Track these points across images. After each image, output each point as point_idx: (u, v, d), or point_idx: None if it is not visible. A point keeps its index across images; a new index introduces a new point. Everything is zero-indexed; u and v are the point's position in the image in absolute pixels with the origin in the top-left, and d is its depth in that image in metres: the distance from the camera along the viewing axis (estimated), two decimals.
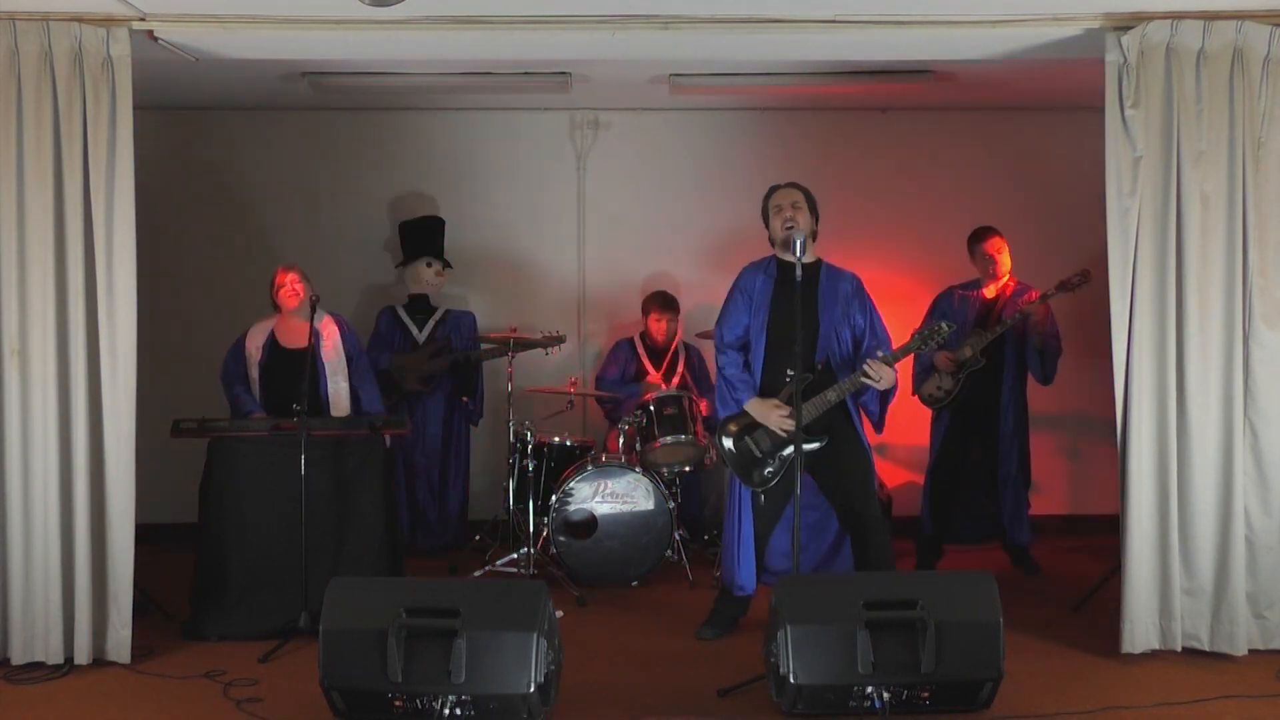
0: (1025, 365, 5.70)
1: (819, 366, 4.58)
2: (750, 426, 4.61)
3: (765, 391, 4.61)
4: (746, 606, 4.82)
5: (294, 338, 5.32)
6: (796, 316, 4.25)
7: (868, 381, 4.42)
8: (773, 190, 4.75)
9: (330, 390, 5.30)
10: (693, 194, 6.78)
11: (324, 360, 5.31)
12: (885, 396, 4.60)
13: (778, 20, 4.54)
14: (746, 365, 4.65)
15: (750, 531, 4.65)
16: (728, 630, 4.79)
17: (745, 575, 4.67)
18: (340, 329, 5.41)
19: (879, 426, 4.71)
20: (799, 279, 4.23)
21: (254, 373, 5.36)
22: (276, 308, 5.39)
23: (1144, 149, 4.39)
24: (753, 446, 4.59)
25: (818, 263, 4.74)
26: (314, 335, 5.19)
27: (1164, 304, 4.39)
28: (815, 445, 4.54)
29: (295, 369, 5.13)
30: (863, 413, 4.72)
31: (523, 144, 6.79)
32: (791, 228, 4.55)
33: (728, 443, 4.62)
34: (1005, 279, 5.72)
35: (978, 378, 5.60)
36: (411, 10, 4.39)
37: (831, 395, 4.47)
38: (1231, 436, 4.39)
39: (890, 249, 6.70)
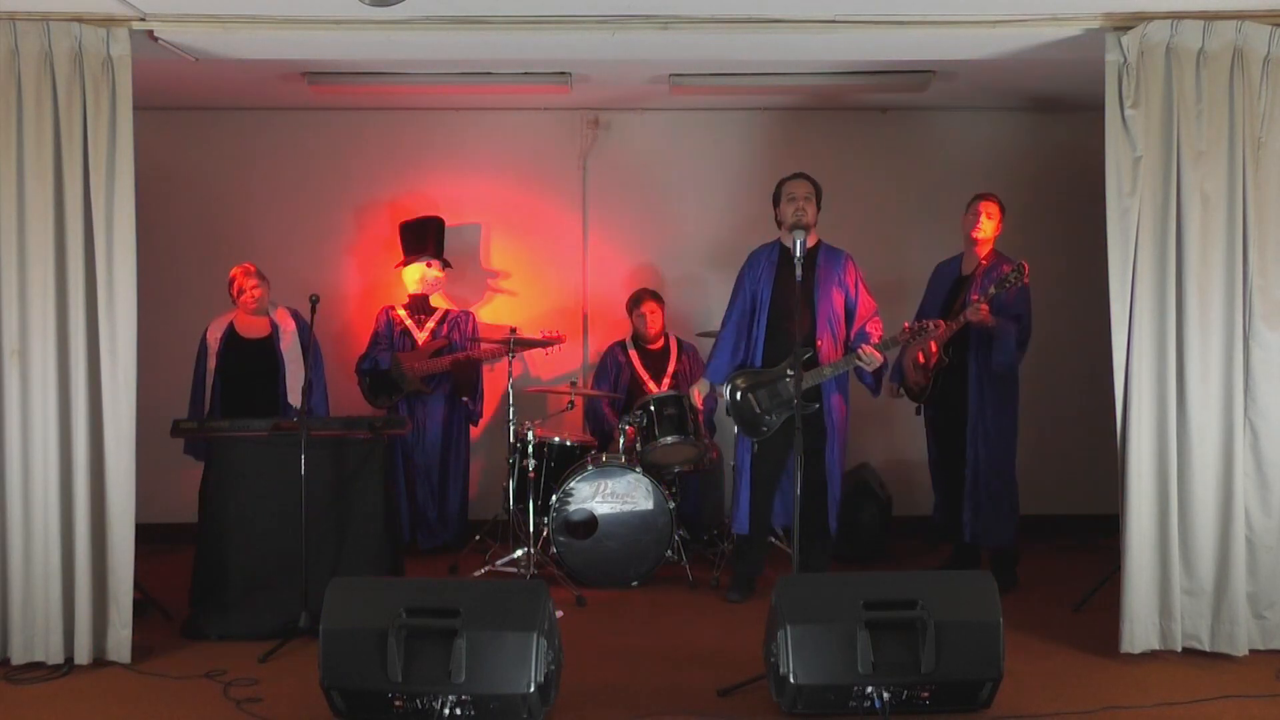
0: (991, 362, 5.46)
1: (819, 344, 5.23)
2: (754, 385, 5.24)
3: (766, 363, 5.30)
4: (760, 565, 5.42)
5: (252, 329, 5.60)
6: (796, 310, 4.49)
7: (860, 365, 5.12)
8: (786, 179, 5.36)
9: (288, 381, 5.48)
10: (693, 194, 6.78)
11: (282, 352, 5.51)
12: (878, 371, 5.25)
13: (778, 20, 4.55)
14: (746, 349, 5.34)
15: (749, 479, 5.32)
16: (749, 592, 5.33)
17: (741, 517, 5.34)
18: (296, 323, 5.59)
19: (876, 392, 5.43)
20: (799, 273, 4.49)
21: (211, 363, 5.54)
22: (235, 303, 5.63)
23: (1144, 149, 4.39)
24: (754, 403, 5.23)
25: (817, 246, 5.35)
26: (307, 332, 5.35)
27: (1164, 304, 4.39)
28: (813, 407, 5.16)
29: (250, 359, 5.52)
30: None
31: (523, 144, 6.79)
32: (801, 214, 5.21)
33: (736, 396, 5.27)
34: (986, 246, 5.51)
35: (948, 376, 5.46)
36: (411, 10, 4.39)
37: (827, 371, 5.18)
38: (1232, 436, 4.39)
39: (890, 249, 6.70)
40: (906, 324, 5.14)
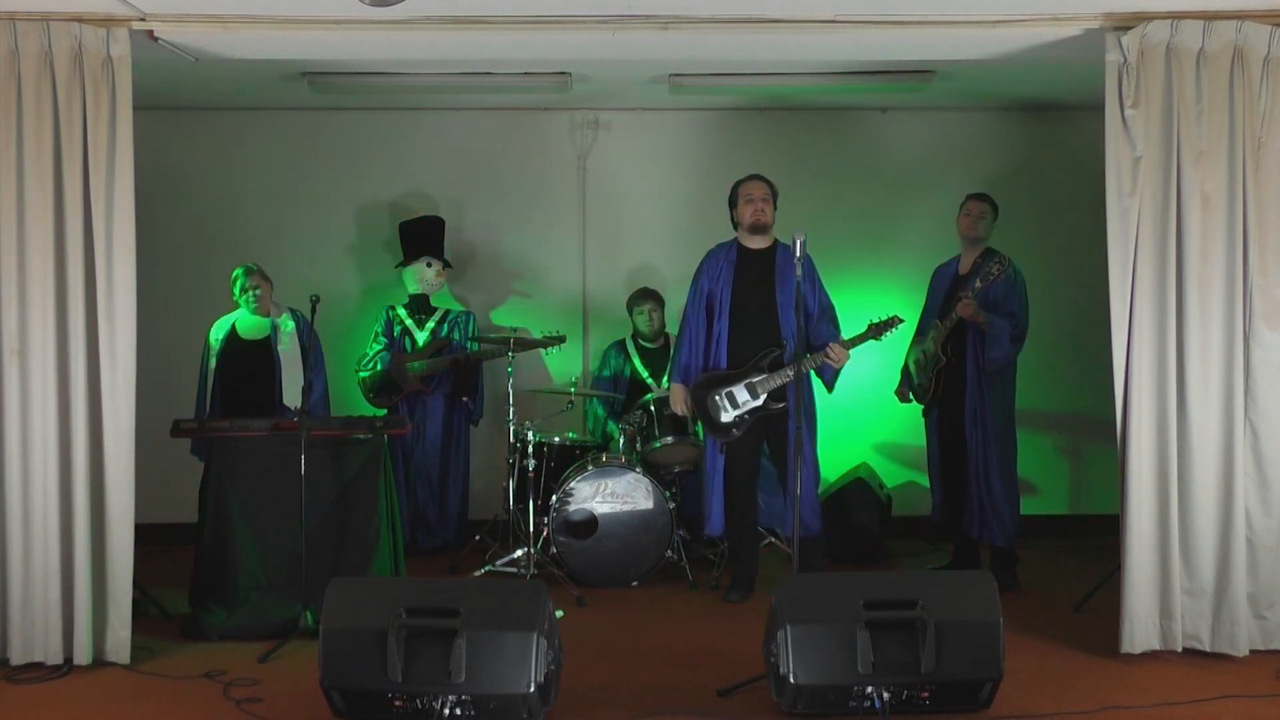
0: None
1: (785, 342, 5.25)
2: (719, 385, 5.28)
3: (731, 363, 5.32)
4: (756, 564, 5.44)
5: (252, 329, 5.61)
6: (797, 305, 4.47)
7: (828, 362, 5.21)
8: (741, 182, 5.44)
9: (285, 381, 5.49)
10: (693, 193, 6.77)
11: (279, 354, 5.51)
12: (839, 369, 5.34)
13: (778, 20, 4.54)
14: (707, 349, 5.38)
15: (721, 481, 5.34)
16: (749, 592, 5.34)
17: (715, 518, 5.36)
18: (297, 323, 5.60)
19: (830, 388, 5.46)
20: (799, 272, 4.41)
21: (212, 363, 5.56)
22: (237, 303, 5.65)
23: (1144, 149, 4.39)
24: (721, 404, 5.25)
25: (773, 246, 5.40)
26: (308, 333, 5.40)
27: (1164, 304, 4.38)
28: (779, 406, 5.22)
29: (249, 359, 5.53)
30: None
31: (523, 144, 6.79)
32: (760, 215, 5.31)
33: (699, 395, 5.31)
34: (981, 245, 5.51)
35: (949, 375, 5.47)
36: (411, 10, 4.39)
37: (794, 370, 5.04)
38: (1232, 436, 4.39)
39: (890, 248, 6.70)
40: (871, 323, 5.20)
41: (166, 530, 6.12)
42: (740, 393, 5.25)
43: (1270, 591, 4.44)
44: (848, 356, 5.22)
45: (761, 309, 5.30)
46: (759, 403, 5.23)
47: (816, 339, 5.30)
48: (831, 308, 5.41)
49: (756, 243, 5.38)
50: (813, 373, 5.33)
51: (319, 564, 4.75)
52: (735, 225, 5.44)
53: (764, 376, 5.22)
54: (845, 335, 5.29)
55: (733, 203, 5.44)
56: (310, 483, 4.75)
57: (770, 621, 3.82)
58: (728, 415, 5.26)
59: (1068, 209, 6.63)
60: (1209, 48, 4.37)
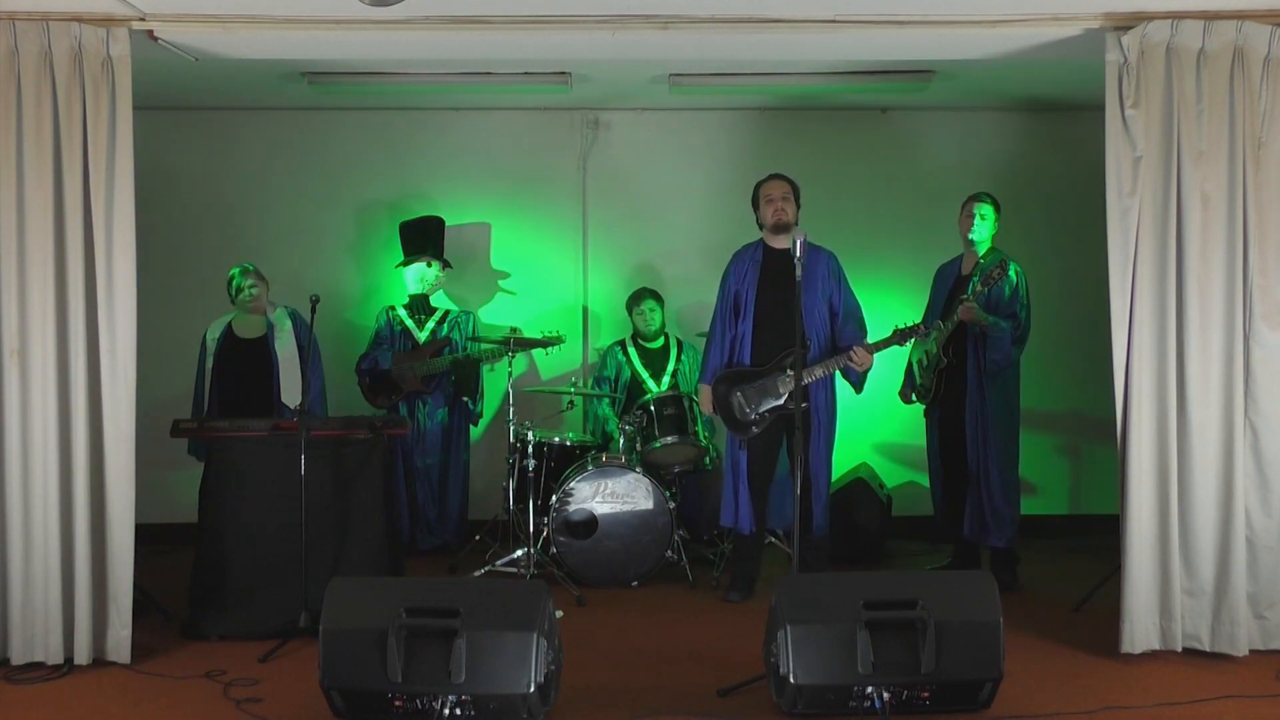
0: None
1: (808, 342, 5.23)
2: (741, 385, 5.28)
3: (755, 363, 5.32)
4: (758, 564, 5.43)
5: (249, 329, 5.65)
6: (797, 310, 4.48)
7: (850, 365, 5.21)
8: (762, 182, 5.45)
9: (283, 379, 5.51)
10: (693, 193, 6.78)
11: (276, 352, 5.54)
12: (863, 372, 5.34)
13: (778, 20, 4.55)
14: (732, 348, 5.38)
15: (746, 479, 5.30)
16: (749, 592, 5.35)
17: (744, 516, 5.30)
18: (296, 323, 5.62)
19: (858, 389, 5.46)
20: (799, 273, 4.41)
21: (209, 362, 5.58)
22: (234, 304, 5.68)
23: (1144, 149, 4.39)
24: (743, 401, 5.26)
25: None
26: (306, 332, 5.38)
27: (1164, 304, 4.39)
28: (802, 406, 5.04)
29: (246, 359, 5.57)
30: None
31: (523, 144, 6.79)
32: (781, 215, 5.30)
33: (720, 391, 5.33)
34: (982, 246, 5.50)
35: (951, 376, 5.47)
36: (411, 10, 4.39)
37: (818, 371, 5.22)
38: (1232, 437, 4.39)
39: (890, 248, 6.70)
40: (896, 329, 5.21)
41: (166, 530, 6.13)
42: (761, 391, 5.25)
43: (1270, 591, 4.44)
44: (871, 360, 5.21)
45: (785, 309, 5.22)
46: (780, 401, 5.22)
47: (841, 341, 5.31)
48: (858, 310, 5.40)
49: (780, 242, 5.36)
50: (839, 374, 5.34)
51: (319, 564, 4.75)
52: (760, 226, 5.45)
53: (786, 375, 5.21)
54: (871, 339, 5.28)
55: (755, 204, 5.44)
56: (310, 483, 4.75)
57: (770, 621, 3.82)
58: (748, 413, 5.26)
59: (1067, 209, 6.63)
60: (1209, 48, 4.37)
